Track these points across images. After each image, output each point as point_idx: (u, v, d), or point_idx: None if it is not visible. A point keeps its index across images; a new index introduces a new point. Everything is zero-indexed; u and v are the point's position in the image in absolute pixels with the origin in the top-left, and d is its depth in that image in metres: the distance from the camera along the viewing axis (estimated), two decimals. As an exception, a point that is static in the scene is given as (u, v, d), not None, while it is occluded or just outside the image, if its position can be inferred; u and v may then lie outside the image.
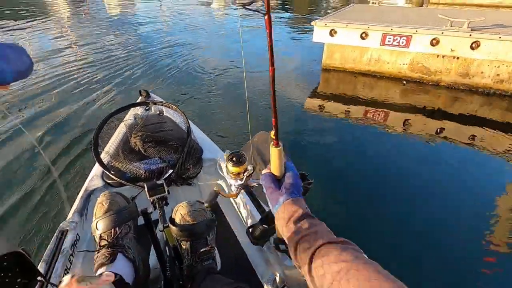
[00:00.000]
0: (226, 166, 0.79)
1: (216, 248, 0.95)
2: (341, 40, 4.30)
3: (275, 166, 0.59)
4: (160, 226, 0.85)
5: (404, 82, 4.28)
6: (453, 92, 4.04)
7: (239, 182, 0.80)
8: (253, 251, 1.10)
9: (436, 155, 2.94)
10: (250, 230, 0.86)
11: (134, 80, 4.49)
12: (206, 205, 0.81)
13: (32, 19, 9.06)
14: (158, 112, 1.45)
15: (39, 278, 0.58)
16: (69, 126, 3.20)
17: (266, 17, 0.45)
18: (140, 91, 1.65)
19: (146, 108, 1.46)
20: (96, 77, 4.54)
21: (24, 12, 10.46)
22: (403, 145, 3.09)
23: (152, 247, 0.91)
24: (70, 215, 1.09)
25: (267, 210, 0.86)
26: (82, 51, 6.01)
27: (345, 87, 4.40)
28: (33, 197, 2.25)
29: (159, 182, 0.86)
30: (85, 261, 1.01)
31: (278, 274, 0.93)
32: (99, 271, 0.80)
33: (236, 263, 1.10)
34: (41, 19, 9.20)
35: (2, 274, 0.49)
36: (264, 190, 0.58)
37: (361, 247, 0.43)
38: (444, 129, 3.33)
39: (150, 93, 1.68)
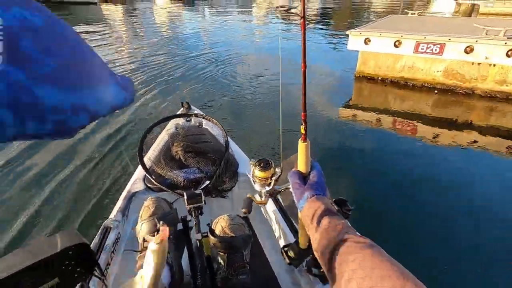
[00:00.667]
0: (253, 172, 0.82)
1: (249, 264, 0.96)
2: (375, 48, 4.60)
3: (302, 161, 0.61)
4: (196, 234, 0.89)
5: (436, 91, 4.43)
6: (489, 101, 4.11)
7: (267, 188, 0.82)
8: (283, 272, 1.08)
9: (471, 168, 2.89)
10: (285, 249, 0.87)
11: (174, 85, 4.97)
12: (244, 210, 0.84)
13: (92, 28, 10.53)
14: (197, 124, 1.51)
15: (96, 272, 0.62)
16: (111, 128, 3.40)
17: (302, 20, 0.53)
18: (182, 103, 1.71)
19: (187, 119, 1.54)
20: (140, 80, 5.10)
21: (88, 20, 12.18)
22: (437, 157, 3.07)
23: (184, 254, 0.96)
24: (113, 213, 1.14)
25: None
26: (130, 54, 6.94)
27: (377, 95, 4.64)
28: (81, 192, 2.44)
29: (197, 191, 0.92)
30: (124, 259, 1.06)
31: None
32: (139, 272, 0.92)
33: (266, 283, 1.08)
34: (100, 28, 10.64)
35: (66, 262, 0.54)
36: (291, 186, 0.60)
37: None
38: (477, 141, 3.35)
39: (191, 105, 1.74)
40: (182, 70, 5.79)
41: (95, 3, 21.88)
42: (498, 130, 3.51)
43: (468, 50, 3.85)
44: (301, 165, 0.62)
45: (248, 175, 1.21)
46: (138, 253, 0.91)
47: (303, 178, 0.61)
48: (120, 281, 0.99)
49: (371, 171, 2.81)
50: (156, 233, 0.64)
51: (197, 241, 0.88)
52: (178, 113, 1.59)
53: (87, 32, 10.14)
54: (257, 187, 0.83)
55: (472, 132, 3.49)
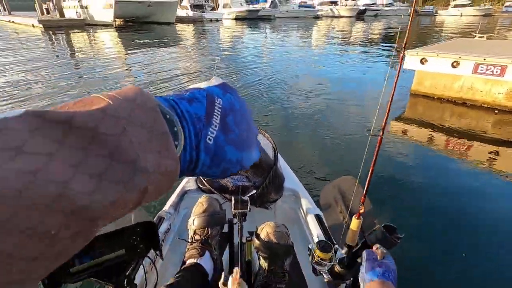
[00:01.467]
0: (314, 252, 0.85)
1: (288, 274, 0.99)
2: (431, 68, 4.81)
3: (352, 235, 0.70)
4: (239, 238, 0.93)
5: (496, 111, 4.42)
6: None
7: (324, 269, 0.85)
8: (317, 286, 1.10)
9: None
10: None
11: None
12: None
13: (168, 45, 12.32)
14: None
15: (155, 252, 0.66)
16: None
17: (401, 54, 0.54)
18: None
19: None
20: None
21: (165, 40, 14.23)
22: (493, 182, 2.96)
23: (225, 256, 1.00)
24: (167, 206, 1.24)
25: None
26: (195, 68, 8.05)
27: (432, 114, 4.75)
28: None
29: (244, 198, 0.98)
30: (171, 248, 1.15)
31: None
32: (188, 261, 0.97)
33: None
34: (173, 43, 12.40)
35: (134, 237, 0.59)
36: (364, 257, 0.68)
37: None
38: None
39: None
40: (240, 83, 6.63)
41: (172, 23, 25.11)
42: None
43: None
44: (350, 239, 0.79)
45: (302, 201, 1.27)
46: (189, 243, 1.00)
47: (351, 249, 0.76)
48: (167, 267, 1.12)
49: (417, 189, 2.78)
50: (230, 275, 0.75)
51: (239, 245, 0.94)
52: None
53: (164, 46, 11.97)
54: (315, 264, 0.86)
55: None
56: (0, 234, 0.14)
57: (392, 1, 50.06)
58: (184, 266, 0.96)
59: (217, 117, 0.29)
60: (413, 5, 1.16)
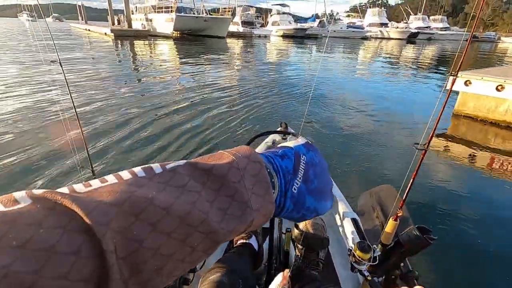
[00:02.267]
0: (354, 251, 0.91)
1: (323, 265, 1.04)
2: (475, 90, 5.01)
3: (388, 236, 0.76)
4: (278, 232, 0.99)
5: None
6: None
7: (362, 267, 0.90)
8: (350, 286, 1.15)
9: None
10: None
11: (270, 106, 6.45)
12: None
13: (217, 57, 13.51)
14: None
15: None
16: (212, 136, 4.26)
17: (452, 78, 0.56)
18: (281, 123, 1.90)
19: (283, 137, 1.74)
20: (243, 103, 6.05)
21: (214, 51, 15.59)
22: None
23: (263, 245, 1.07)
24: None
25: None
26: (239, 82, 8.77)
27: (474, 134, 4.91)
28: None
29: None
30: None
31: None
32: (239, 242, 1.10)
33: None
34: (222, 58, 13.55)
35: None
36: None
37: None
38: None
39: (288, 126, 1.92)
40: (281, 94, 7.28)
41: (223, 37, 27.12)
42: None
43: None
44: (384, 239, 0.83)
45: (349, 252, 1.33)
46: None
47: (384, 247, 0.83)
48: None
49: (454, 202, 2.89)
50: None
51: (278, 237, 1.02)
52: (277, 130, 1.83)
53: (215, 57, 13.20)
54: (353, 263, 0.92)
55: None
56: (169, 239, 0.22)
57: (448, 25, 48.13)
58: (235, 245, 1.08)
59: (302, 171, 0.35)
60: (473, 28, 1.12)
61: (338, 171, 3.38)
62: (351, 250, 0.94)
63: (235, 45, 21.66)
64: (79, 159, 1.82)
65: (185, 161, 0.27)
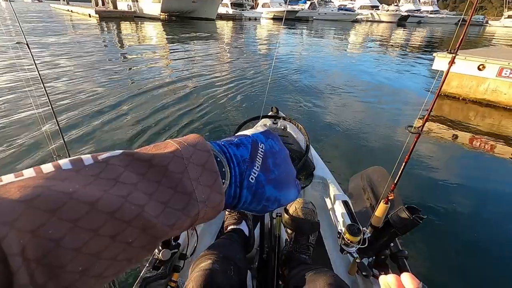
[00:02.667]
0: (344, 234, 0.92)
1: (313, 248, 1.05)
2: (459, 70, 5.27)
3: (379, 219, 0.78)
4: (269, 217, 1.03)
5: (506, 107, 4.80)
6: None
7: (351, 249, 0.93)
8: (342, 269, 1.16)
9: None
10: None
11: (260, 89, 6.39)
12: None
13: (204, 41, 13.38)
14: (282, 128, 1.71)
15: None
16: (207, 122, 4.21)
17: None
18: (272, 107, 1.88)
19: (274, 122, 1.74)
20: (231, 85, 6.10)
21: (202, 35, 15.38)
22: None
23: (255, 230, 1.08)
24: None
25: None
26: (229, 59, 8.87)
27: (456, 113, 5.17)
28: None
29: None
30: None
31: None
32: (229, 227, 1.10)
33: None
34: (210, 41, 13.42)
35: None
36: None
37: None
38: None
39: (279, 110, 1.91)
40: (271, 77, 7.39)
41: (212, 19, 26.57)
42: None
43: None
44: (375, 221, 0.83)
45: (330, 187, 1.33)
46: (227, 213, 1.12)
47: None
48: (205, 235, 1.24)
49: (437, 180, 3.06)
50: None
51: (270, 222, 1.03)
52: (268, 114, 1.82)
53: (204, 40, 13.06)
54: (343, 246, 0.94)
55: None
56: (96, 236, 0.20)
57: (438, 8, 48.27)
58: (226, 231, 1.09)
59: (260, 160, 0.34)
60: (472, 11, 1.03)
61: (328, 154, 3.46)
62: (340, 233, 0.95)
63: (225, 27, 21.33)
64: (55, 148, 1.72)
65: (121, 151, 0.25)
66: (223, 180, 0.30)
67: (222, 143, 0.33)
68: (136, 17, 24.35)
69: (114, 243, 0.21)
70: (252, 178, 0.33)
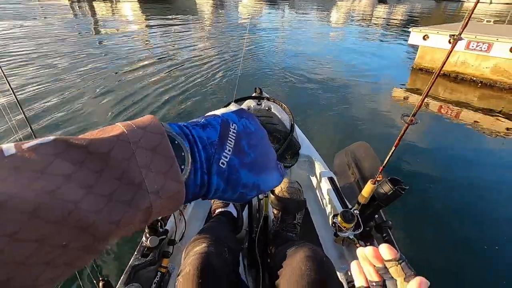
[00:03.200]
0: (339, 220, 0.95)
1: (300, 227, 1.08)
2: (432, 44, 5.64)
3: (366, 197, 0.83)
4: (256, 198, 1.05)
5: (479, 84, 5.28)
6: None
7: (345, 234, 0.96)
8: (329, 243, 1.20)
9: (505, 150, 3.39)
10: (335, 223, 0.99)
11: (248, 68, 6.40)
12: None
13: (185, 17, 13.13)
14: (267, 108, 1.71)
15: None
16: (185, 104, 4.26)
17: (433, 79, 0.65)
18: (255, 88, 1.84)
19: (258, 102, 1.73)
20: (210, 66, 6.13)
21: (182, 12, 15.02)
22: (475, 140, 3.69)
23: (244, 211, 1.12)
24: None
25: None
26: (210, 38, 8.85)
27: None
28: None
29: None
30: (195, 205, 1.32)
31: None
32: (217, 210, 1.11)
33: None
34: (189, 18, 13.18)
35: None
36: None
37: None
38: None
39: (263, 91, 1.89)
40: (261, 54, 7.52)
41: (192, -4, 25.55)
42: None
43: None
44: (362, 199, 0.87)
45: (316, 164, 1.37)
46: None
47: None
48: (193, 221, 1.26)
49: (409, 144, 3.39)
50: None
51: (257, 203, 1.04)
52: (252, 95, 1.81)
53: (183, 17, 12.80)
54: (337, 231, 0.97)
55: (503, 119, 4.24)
56: (15, 242, 0.16)
57: (418, -16, 48.43)
58: (214, 215, 1.09)
59: (231, 141, 0.30)
60: None
61: (313, 130, 3.61)
62: (335, 224, 0.97)
63: (205, 4, 20.75)
64: (22, 138, 1.59)
65: (54, 137, 0.21)
66: (182, 166, 0.26)
67: (184, 125, 0.30)
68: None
69: (44, 248, 0.17)
70: (223, 163, 0.30)
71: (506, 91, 5.09)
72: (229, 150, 0.30)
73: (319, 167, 1.44)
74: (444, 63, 0.66)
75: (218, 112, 0.34)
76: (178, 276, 0.77)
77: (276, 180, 0.38)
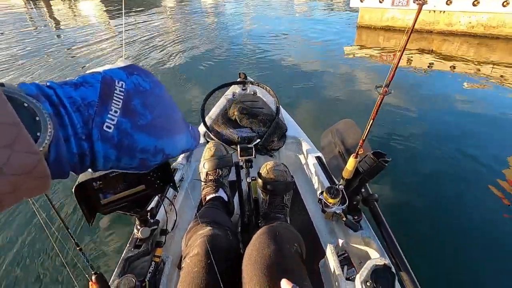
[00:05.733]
0: (324, 196, 0.99)
1: (289, 208, 1.11)
2: (367, 4, 7.12)
3: (349, 172, 0.87)
4: (246, 179, 1.09)
5: (402, 29, 6.89)
6: (443, 37, 6.47)
7: (331, 209, 1.00)
8: (320, 220, 1.24)
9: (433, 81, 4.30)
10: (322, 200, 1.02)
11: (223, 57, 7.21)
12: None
13: (147, 9, 13.82)
14: (252, 93, 1.79)
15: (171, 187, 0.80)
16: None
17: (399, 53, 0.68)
18: (239, 74, 1.83)
19: (243, 88, 1.81)
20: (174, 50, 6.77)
21: (144, 3, 15.51)
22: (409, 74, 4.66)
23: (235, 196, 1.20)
24: (179, 158, 1.46)
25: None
26: (176, 26, 9.78)
27: (372, 39, 7.03)
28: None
29: (249, 145, 1.15)
30: (186, 194, 1.38)
31: (341, 241, 1.02)
32: (208, 197, 1.13)
33: (303, 226, 1.24)
34: (153, 9, 13.82)
35: (151, 173, 0.68)
36: None
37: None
38: (433, 63, 5.11)
39: (247, 76, 1.87)
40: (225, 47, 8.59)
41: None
42: (448, 55, 5.68)
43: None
44: (346, 174, 0.92)
45: (303, 144, 1.48)
46: (203, 183, 1.19)
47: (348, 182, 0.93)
48: (184, 210, 1.33)
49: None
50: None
51: (247, 186, 1.10)
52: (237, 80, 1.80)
53: (146, 7, 13.47)
54: (324, 207, 1.02)
55: (431, 56, 5.67)
56: None
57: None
58: (206, 202, 1.13)
59: (119, 101, 0.28)
60: None
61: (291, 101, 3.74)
62: (321, 199, 1.01)
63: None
64: None
65: None
66: (38, 134, 0.23)
67: (48, 84, 0.26)
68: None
69: None
70: (108, 126, 0.27)
71: (426, 33, 6.74)
72: (116, 112, 0.28)
73: (306, 147, 1.50)
74: (414, 25, 0.69)
75: (100, 69, 0.31)
76: (184, 258, 0.79)
77: (185, 143, 0.36)
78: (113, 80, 0.29)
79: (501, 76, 4.51)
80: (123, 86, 0.29)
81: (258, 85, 1.63)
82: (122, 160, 0.29)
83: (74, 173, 0.27)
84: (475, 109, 3.46)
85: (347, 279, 0.89)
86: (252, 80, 1.80)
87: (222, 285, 0.67)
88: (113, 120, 0.27)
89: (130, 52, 6.51)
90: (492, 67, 4.87)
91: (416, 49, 5.96)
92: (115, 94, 0.28)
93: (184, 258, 0.79)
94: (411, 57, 5.56)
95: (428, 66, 5.08)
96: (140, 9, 13.35)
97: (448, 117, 3.29)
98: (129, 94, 0.29)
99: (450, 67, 4.98)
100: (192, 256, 0.75)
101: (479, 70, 4.78)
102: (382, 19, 7.23)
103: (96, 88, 0.27)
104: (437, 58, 5.40)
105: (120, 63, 0.33)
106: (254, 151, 1.15)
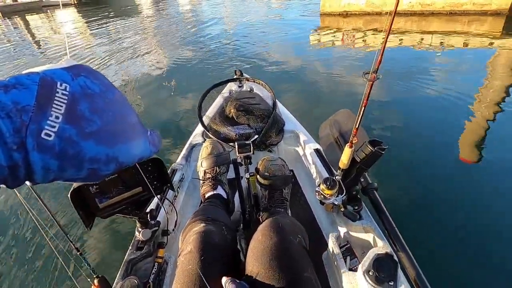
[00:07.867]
0: (321, 188, 0.99)
1: (288, 201, 1.12)
2: (326, -7, 8.28)
3: (345, 162, 0.87)
4: (245, 175, 1.11)
5: (361, 15, 8.06)
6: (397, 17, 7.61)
7: (329, 200, 1.00)
8: (321, 212, 1.26)
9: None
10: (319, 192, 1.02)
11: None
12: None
13: (126, 15, 14.44)
14: (249, 89, 1.80)
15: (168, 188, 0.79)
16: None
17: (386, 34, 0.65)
18: (235, 71, 1.85)
19: (240, 85, 1.82)
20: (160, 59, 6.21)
21: (123, 9, 16.10)
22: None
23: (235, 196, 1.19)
24: (179, 159, 1.46)
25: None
26: (155, 32, 10.49)
27: (334, 23, 8.09)
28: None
29: (247, 142, 1.16)
30: (187, 193, 1.39)
31: (342, 232, 1.03)
32: (207, 195, 1.13)
33: (304, 219, 1.24)
34: (131, 17, 14.54)
35: (147, 175, 0.68)
36: None
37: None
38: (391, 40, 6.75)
39: (243, 73, 1.87)
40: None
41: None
42: (406, 32, 6.92)
43: None
44: (342, 164, 0.92)
45: (301, 136, 1.50)
46: (202, 181, 1.19)
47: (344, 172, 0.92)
48: (185, 209, 1.34)
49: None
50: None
51: (246, 182, 1.11)
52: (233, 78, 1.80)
53: (124, 15, 13.73)
54: (320, 197, 1.02)
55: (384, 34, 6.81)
56: None
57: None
58: (205, 199, 1.12)
59: (61, 105, 0.26)
60: None
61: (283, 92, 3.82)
62: (318, 192, 1.01)
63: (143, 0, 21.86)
64: None
65: None
66: None
67: None
68: (44, 7, 23.51)
69: None
70: (48, 134, 0.25)
71: (376, 15, 7.91)
72: (57, 118, 0.25)
73: (303, 138, 1.52)
74: (396, 7, 0.68)
75: (39, 69, 0.28)
76: (179, 256, 0.78)
77: (142, 148, 0.34)
78: (54, 82, 0.27)
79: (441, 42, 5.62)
80: (67, 89, 0.27)
81: (254, 81, 1.69)
82: (67, 171, 0.27)
83: (6, 187, 0.25)
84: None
85: (350, 269, 0.91)
86: (248, 76, 1.82)
87: (217, 281, 0.67)
88: (53, 127, 0.25)
89: (101, 53, 6.59)
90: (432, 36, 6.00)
91: (372, 29, 7.07)
92: (56, 98, 0.26)
93: (178, 256, 0.79)
94: (367, 37, 6.62)
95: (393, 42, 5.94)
96: (115, 12, 13.77)
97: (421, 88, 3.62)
98: (75, 98, 0.27)
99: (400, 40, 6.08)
100: (186, 254, 0.75)
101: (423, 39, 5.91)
102: (340, 5, 8.42)
103: (32, 91, 0.25)
104: (391, 36, 6.34)
105: (63, 63, 0.30)
106: (252, 147, 1.20)
